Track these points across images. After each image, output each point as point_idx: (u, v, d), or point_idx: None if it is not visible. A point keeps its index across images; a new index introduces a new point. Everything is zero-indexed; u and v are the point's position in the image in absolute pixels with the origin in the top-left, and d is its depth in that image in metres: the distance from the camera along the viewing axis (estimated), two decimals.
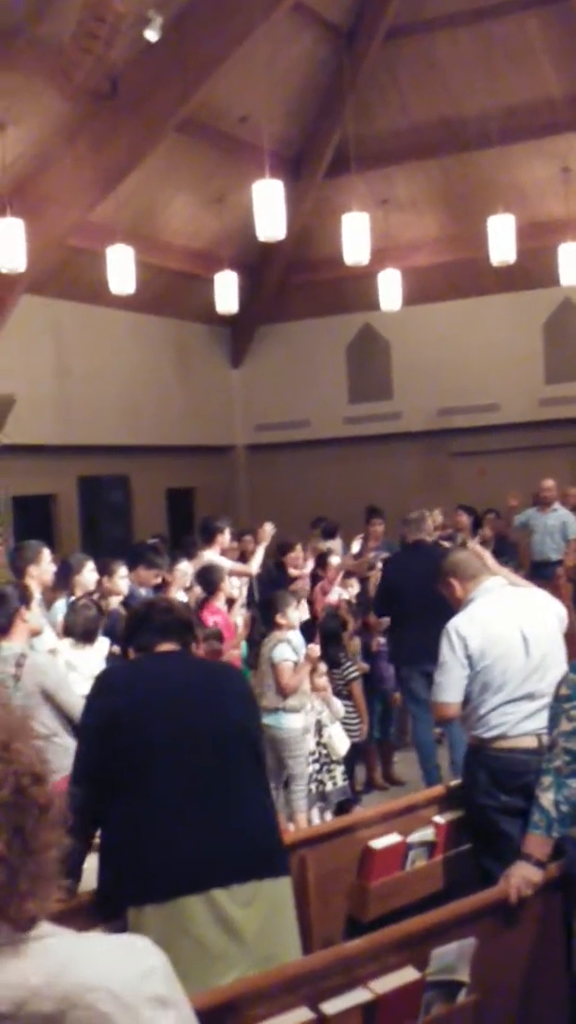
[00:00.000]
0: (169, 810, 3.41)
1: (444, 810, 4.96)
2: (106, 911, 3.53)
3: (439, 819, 4.83)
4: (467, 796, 4.86)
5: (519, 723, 4.69)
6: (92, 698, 3.75)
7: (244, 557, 11.12)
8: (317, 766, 7.14)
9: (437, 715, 5.25)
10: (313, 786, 7.10)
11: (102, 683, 3.77)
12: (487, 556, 5.52)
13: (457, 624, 4.90)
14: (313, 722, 7.17)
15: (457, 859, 4.85)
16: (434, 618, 5.42)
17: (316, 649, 7.12)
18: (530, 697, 4.69)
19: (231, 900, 3.38)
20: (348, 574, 9.68)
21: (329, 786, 7.20)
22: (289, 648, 7.11)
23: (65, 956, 1.63)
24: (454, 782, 5.38)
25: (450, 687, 4.85)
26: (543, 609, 4.97)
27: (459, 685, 4.82)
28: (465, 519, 12.56)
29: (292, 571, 10.12)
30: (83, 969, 1.62)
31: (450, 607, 5.10)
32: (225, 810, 3.46)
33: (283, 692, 6.94)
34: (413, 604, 7.72)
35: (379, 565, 9.63)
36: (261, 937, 3.42)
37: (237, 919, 3.37)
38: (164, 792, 3.44)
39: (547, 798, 3.87)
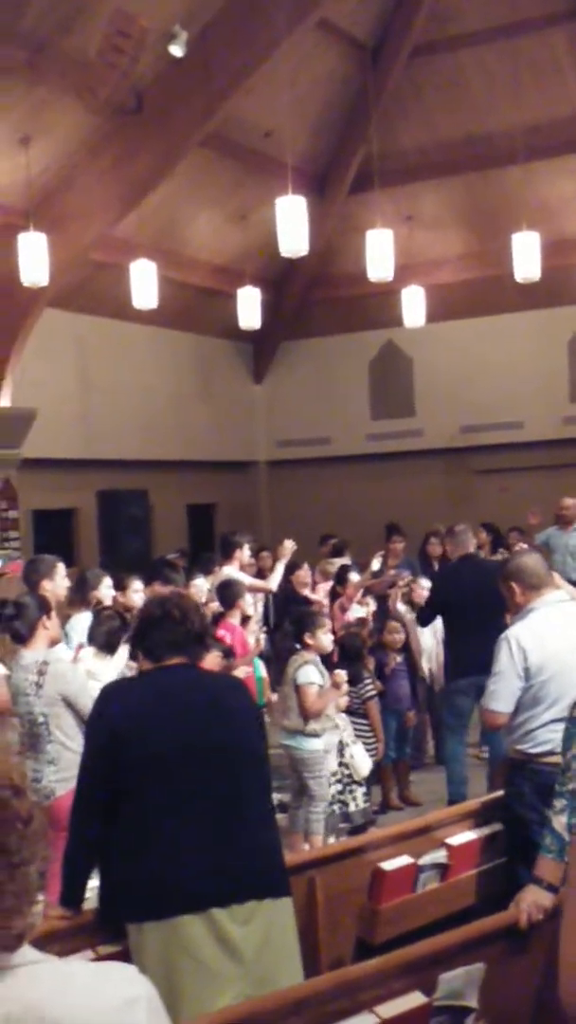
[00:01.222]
0: (170, 828, 3.37)
1: (471, 827, 4.90)
2: (107, 927, 3.49)
3: (452, 841, 4.75)
4: (509, 809, 4.79)
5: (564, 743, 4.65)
6: (96, 713, 3.70)
7: (262, 574, 11.07)
8: (340, 786, 7.05)
9: (486, 722, 5.15)
10: (336, 807, 7.02)
11: (107, 698, 3.72)
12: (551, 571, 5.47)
13: (518, 634, 4.84)
14: (336, 742, 7.10)
15: (476, 879, 4.78)
16: (487, 632, 5.85)
17: (344, 675, 7.05)
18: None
19: (230, 919, 3.34)
20: (366, 592, 9.61)
21: (352, 807, 7.12)
22: (315, 671, 7.02)
23: (46, 986, 1.59)
24: (484, 797, 5.33)
25: (504, 697, 4.81)
26: None
27: (513, 696, 4.79)
28: (485, 537, 12.46)
29: (302, 591, 10.04)
30: (63, 1000, 1.58)
31: (502, 622, 5.06)
32: (226, 829, 3.42)
33: (306, 715, 6.86)
34: (467, 618, 7.92)
35: (400, 583, 9.56)
36: (260, 956, 3.38)
37: (236, 938, 3.34)
38: (165, 810, 3.40)
39: (560, 821, 3.79)
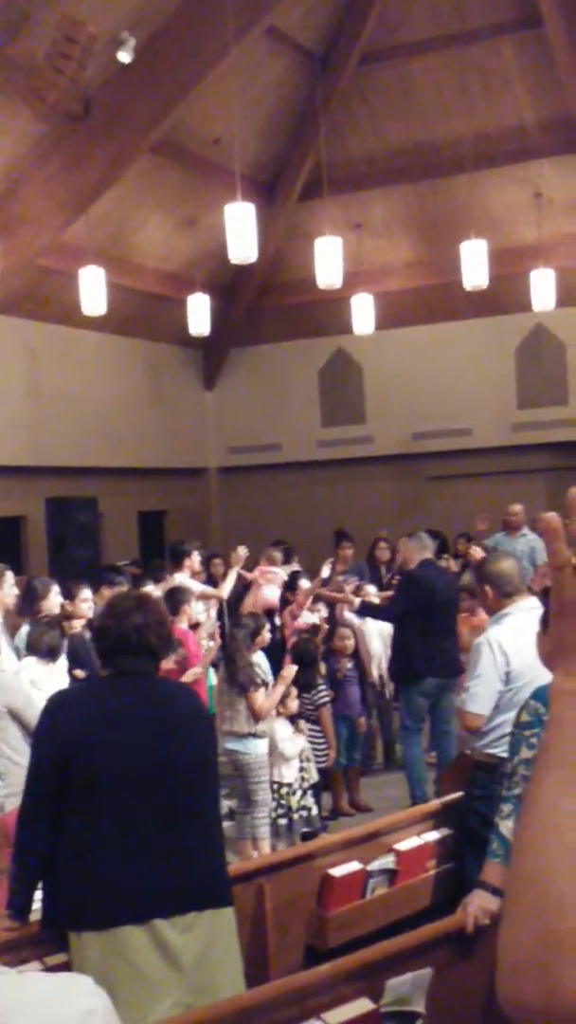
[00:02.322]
0: (113, 840, 3.36)
1: (419, 832, 4.91)
2: (50, 936, 3.47)
3: (400, 846, 4.77)
4: (473, 812, 4.79)
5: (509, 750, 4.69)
6: (45, 724, 3.67)
7: (214, 581, 11.05)
8: (301, 793, 7.04)
9: (465, 724, 5.15)
10: (301, 813, 7.00)
11: (56, 709, 3.69)
12: None
13: (499, 638, 4.88)
14: (302, 748, 7.09)
15: (425, 884, 4.79)
16: (450, 636, 7.30)
17: (293, 669, 7.06)
18: (521, 727, 4.68)
19: (171, 927, 3.34)
20: (316, 599, 9.61)
21: (313, 811, 7.12)
22: (260, 672, 7.05)
23: (3, 997, 1.56)
24: (432, 803, 5.35)
25: (484, 699, 4.84)
26: None
27: (493, 698, 4.84)
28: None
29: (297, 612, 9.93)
30: (22, 1011, 1.56)
31: (454, 629, 5.14)
32: (169, 841, 3.41)
33: (257, 716, 6.86)
34: (433, 621, 8.17)
35: (348, 588, 9.56)
36: (199, 964, 3.39)
37: (175, 945, 3.35)
38: (109, 822, 3.39)
39: (506, 826, 3.81)
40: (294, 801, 6.95)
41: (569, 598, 1.19)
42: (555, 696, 1.20)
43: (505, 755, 4.73)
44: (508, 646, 4.83)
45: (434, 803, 5.41)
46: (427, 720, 8.40)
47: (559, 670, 1.21)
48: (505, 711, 4.78)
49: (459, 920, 3.80)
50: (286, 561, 11.65)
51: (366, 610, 8.89)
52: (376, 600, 9.37)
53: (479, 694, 4.86)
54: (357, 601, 8.92)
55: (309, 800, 7.06)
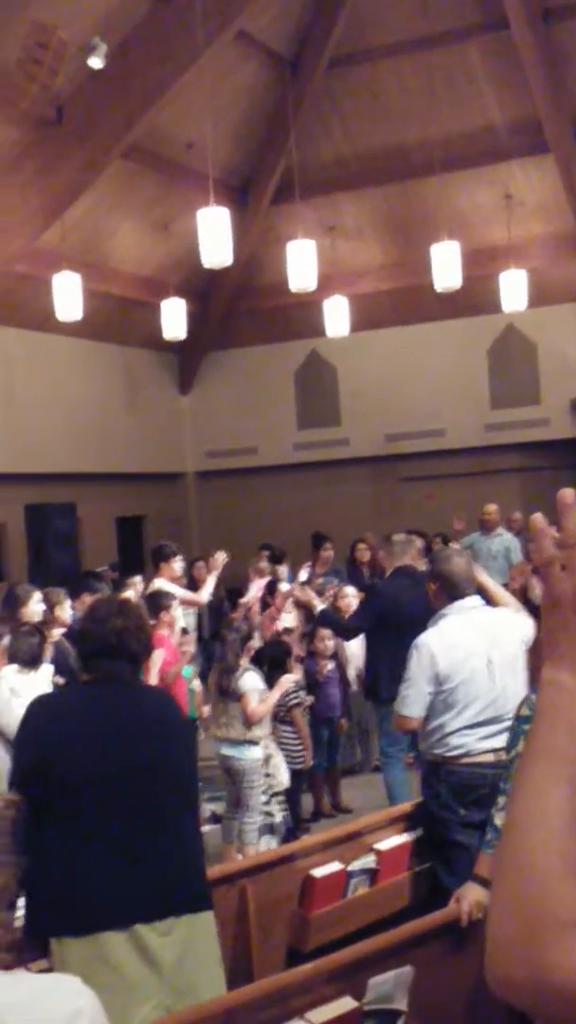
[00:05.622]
0: (92, 846, 3.39)
1: (399, 831, 4.96)
2: (33, 942, 3.50)
3: (380, 846, 4.81)
4: (428, 811, 4.88)
5: (479, 742, 4.76)
6: (24, 729, 3.70)
7: (195, 585, 11.07)
8: (265, 797, 7.09)
9: (397, 726, 5.28)
10: (260, 818, 7.05)
11: (35, 714, 3.72)
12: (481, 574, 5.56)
13: (428, 641, 4.94)
14: (267, 754, 7.13)
15: (405, 883, 4.84)
16: None
17: (291, 678, 7.14)
18: (493, 721, 4.76)
19: (150, 931, 3.38)
20: (297, 603, 9.64)
21: (278, 818, 7.16)
22: (256, 676, 7.08)
23: None
24: (413, 802, 5.40)
25: (414, 701, 4.90)
26: (510, 633, 5.00)
27: (423, 701, 4.88)
28: (419, 544, 12.54)
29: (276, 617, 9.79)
30: (12, 1012, 1.60)
31: None
32: (147, 846, 3.45)
33: (250, 720, 6.89)
34: (403, 636, 6.83)
35: (328, 591, 9.56)
36: (179, 967, 3.42)
37: (155, 948, 3.39)
38: (88, 828, 3.42)
39: (501, 818, 3.86)
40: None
41: (559, 592, 1.24)
42: (543, 686, 1.24)
43: (448, 755, 4.82)
44: (437, 648, 4.88)
45: (412, 803, 5.46)
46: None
47: (547, 661, 1.25)
48: (441, 713, 4.85)
49: (446, 915, 3.85)
50: (277, 563, 11.73)
51: (324, 620, 8.21)
52: (355, 602, 9.21)
53: (409, 697, 4.93)
54: (319, 608, 8.17)
55: (273, 806, 7.08)
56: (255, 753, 6.95)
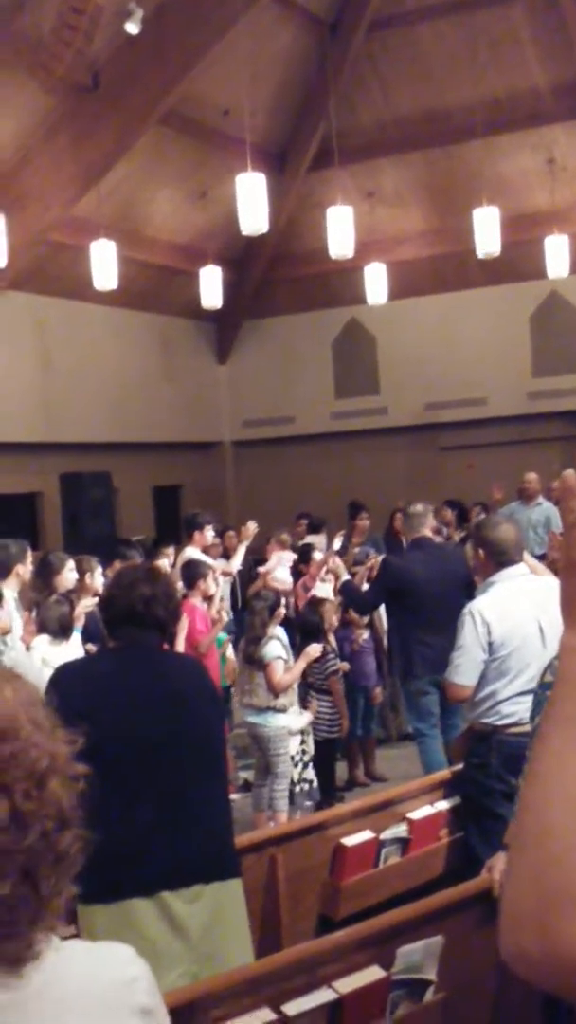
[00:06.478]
0: (117, 813, 3.35)
1: (432, 800, 4.92)
2: None
3: (413, 815, 4.76)
4: (471, 781, 4.81)
5: (530, 710, 4.68)
6: (46, 696, 3.66)
7: (228, 553, 11.06)
8: (302, 766, 7.06)
9: (451, 695, 5.14)
10: (303, 785, 7.03)
11: (59, 681, 3.68)
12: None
13: (481, 608, 4.88)
14: (305, 723, 7.10)
15: (438, 853, 4.79)
16: (445, 633, 5.23)
17: (318, 648, 7.05)
18: (544, 688, 4.68)
19: (177, 899, 3.35)
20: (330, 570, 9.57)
21: (315, 783, 7.14)
22: (280, 645, 7.05)
23: (52, 966, 1.58)
24: (444, 771, 5.34)
25: (468, 670, 4.83)
26: (557, 599, 4.90)
27: (477, 669, 4.81)
28: (450, 514, 12.47)
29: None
30: (67, 981, 1.58)
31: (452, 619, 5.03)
32: (175, 815, 3.41)
33: (275, 690, 6.87)
34: (424, 611, 6.99)
35: (368, 562, 9.40)
36: (206, 934, 3.39)
37: (182, 916, 3.36)
38: (113, 795, 3.37)
39: None
40: (295, 774, 6.97)
41: None
42: (564, 652, 1.20)
43: (499, 723, 4.74)
44: (490, 615, 4.81)
45: (445, 772, 5.40)
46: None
47: (570, 627, 1.21)
48: (493, 681, 4.78)
49: (477, 884, 3.79)
50: (315, 532, 11.68)
51: (344, 592, 7.97)
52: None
53: (462, 665, 4.85)
54: (343, 578, 7.89)
55: (310, 773, 7.07)
56: (280, 721, 6.91)
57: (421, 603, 7.08)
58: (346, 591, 7.89)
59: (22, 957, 1.54)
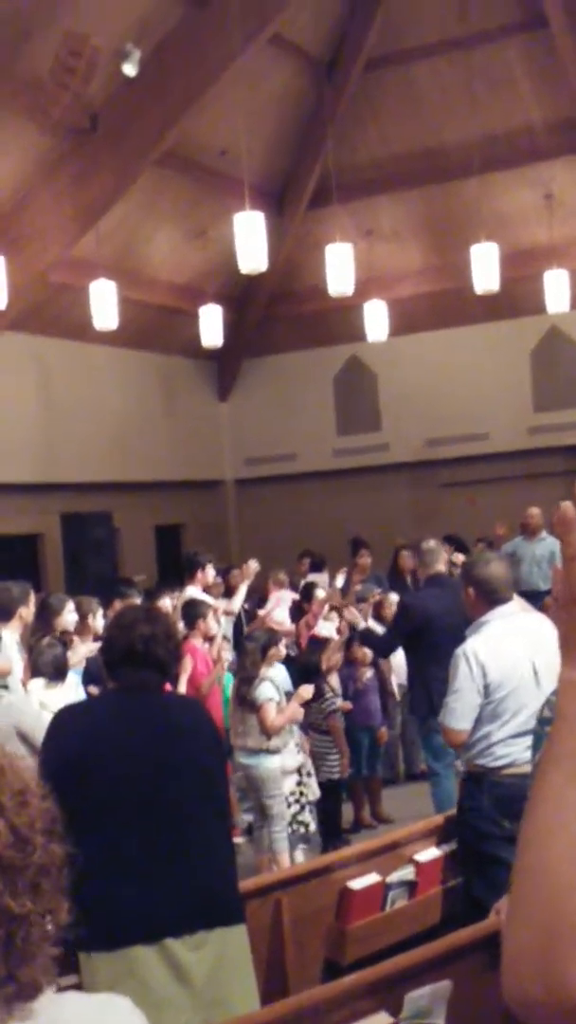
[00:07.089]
0: (119, 859, 3.28)
1: (437, 842, 4.83)
2: (59, 958, 3.39)
3: (419, 857, 4.67)
4: (466, 825, 4.71)
5: (525, 752, 4.59)
6: (46, 741, 3.60)
7: (230, 592, 10.99)
8: (298, 807, 6.94)
9: (447, 740, 5.06)
10: (295, 827, 6.91)
11: (60, 724, 3.63)
12: None
13: (475, 649, 4.77)
14: (299, 763, 6.99)
15: (445, 895, 4.70)
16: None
17: (310, 689, 6.95)
18: (543, 723, 4.59)
19: (181, 946, 3.27)
20: (333, 608, 9.51)
21: (312, 828, 7.03)
22: (272, 687, 6.94)
23: (50, 1019, 1.53)
24: (451, 812, 5.24)
25: (464, 714, 4.73)
26: (551, 637, 4.82)
27: (473, 712, 4.72)
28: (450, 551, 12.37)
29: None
30: None
31: None
32: (177, 859, 3.34)
33: (268, 732, 6.77)
34: (438, 649, 6.80)
35: (370, 599, 9.36)
36: (211, 981, 3.32)
37: (186, 963, 3.29)
38: (115, 840, 3.31)
39: None
40: (290, 815, 6.85)
41: None
42: (564, 688, 1.19)
43: (492, 765, 4.65)
44: (485, 657, 4.71)
45: (451, 812, 5.31)
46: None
47: (567, 663, 1.21)
48: (487, 723, 4.69)
49: (487, 927, 3.71)
50: (317, 570, 11.62)
51: (365, 640, 8.10)
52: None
53: (457, 709, 4.75)
54: (361, 626, 8.06)
55: (307, 816, 6.93)
56: (273, 762, 6.80)
57: (439, 641, 6.98)
58: (366, 639, 7.97)
59: (39, 983, 1.50)
